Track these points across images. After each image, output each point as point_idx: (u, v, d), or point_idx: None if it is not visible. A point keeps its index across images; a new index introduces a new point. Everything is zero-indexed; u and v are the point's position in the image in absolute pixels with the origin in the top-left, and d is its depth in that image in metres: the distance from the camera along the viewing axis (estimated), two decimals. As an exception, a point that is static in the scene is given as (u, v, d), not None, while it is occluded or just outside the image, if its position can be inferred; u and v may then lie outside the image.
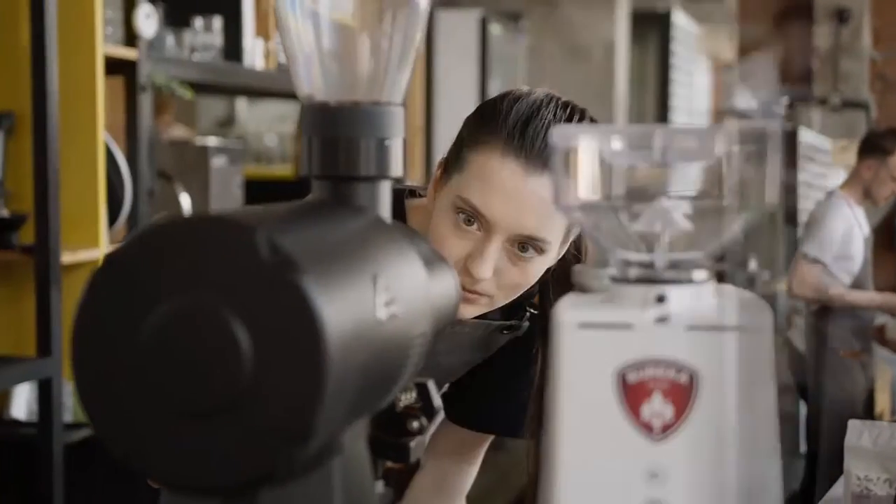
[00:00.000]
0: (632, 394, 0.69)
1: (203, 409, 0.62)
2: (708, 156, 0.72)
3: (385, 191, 0.84)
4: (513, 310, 1.37)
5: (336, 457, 0.69)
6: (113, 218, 2.66)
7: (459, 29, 4.98)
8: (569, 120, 1.25)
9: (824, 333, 4.26)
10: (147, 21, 2.69)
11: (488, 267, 1.22)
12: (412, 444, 0.80)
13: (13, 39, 2.49)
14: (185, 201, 2.98)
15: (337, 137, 0.81)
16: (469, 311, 1.26)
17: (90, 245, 2.56)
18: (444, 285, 0.88)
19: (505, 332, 1.39)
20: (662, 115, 7.38)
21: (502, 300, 1.27)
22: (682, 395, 0.68)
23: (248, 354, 0.62)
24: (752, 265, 0.76)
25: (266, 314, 0.62)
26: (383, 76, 0.84)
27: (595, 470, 0.69)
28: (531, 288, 1.30)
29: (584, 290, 0.83)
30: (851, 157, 8.52)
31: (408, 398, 0.84)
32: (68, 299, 2.44)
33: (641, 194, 0.75)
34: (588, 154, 0.73)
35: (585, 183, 0.74)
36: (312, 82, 0.84)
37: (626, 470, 0.68)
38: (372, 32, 0.84)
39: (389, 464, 0.82)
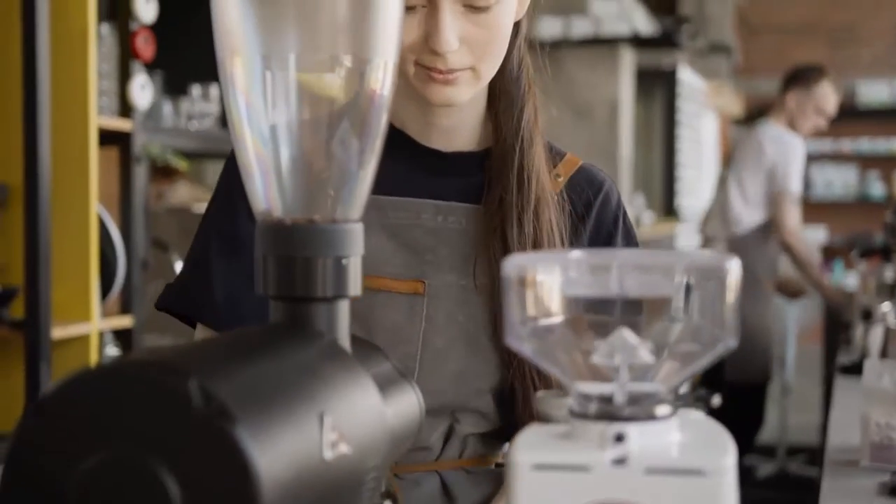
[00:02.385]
0: (587, 543, 0.66)
1: (128, 569, 0.59)
2: (665, 289, 0.69)
3: (343, 311, 0.81)
4: None
5: None
6: (106, 290, 2.64)
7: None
8: None
9: (749, 261, 4.34)
10: (142, 92, 2.68)
11: (449, 37, 1.12)
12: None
13: (6, 110, 2.48)
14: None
15: (293, 257, 0.79)
16: (459, 93, 1.17)
17: (82, 319, 2.54)
18: (404, 406, 0.85)
19: None
20: (669, 170, 7.37)
21: (487, 68, 1.17)
22: (639, 545, 0.65)
23: (177, 510, 0.59)
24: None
25: (198, 465, 0.60)
26: (340, 193, 0.82)
27: None
28: None
29: (545, 419, 0.80)
30: (724, 98, 8.58)
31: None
32: (59, 375, 2.41)
33: (601, 324, 0.72)
34: (543, 284, 0.71)
35: (540, 312, 0.71)
36: (269, 198, 0.82)
37: None
38: (328, 150, 0.82)
39: None
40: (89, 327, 2.55)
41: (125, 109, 2.70)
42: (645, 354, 0.70)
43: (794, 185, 4.28)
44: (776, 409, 5.94)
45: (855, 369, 2.78)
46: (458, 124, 1.25)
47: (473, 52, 1.15)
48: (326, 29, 0.79)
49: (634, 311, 0.71)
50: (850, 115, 9.94)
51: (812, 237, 10.07)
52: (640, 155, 7.04)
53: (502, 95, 1.24)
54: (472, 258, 1.21)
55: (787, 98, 4.42)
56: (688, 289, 0.69)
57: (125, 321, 2.74)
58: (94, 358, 2.56)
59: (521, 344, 0.70)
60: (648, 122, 7.25)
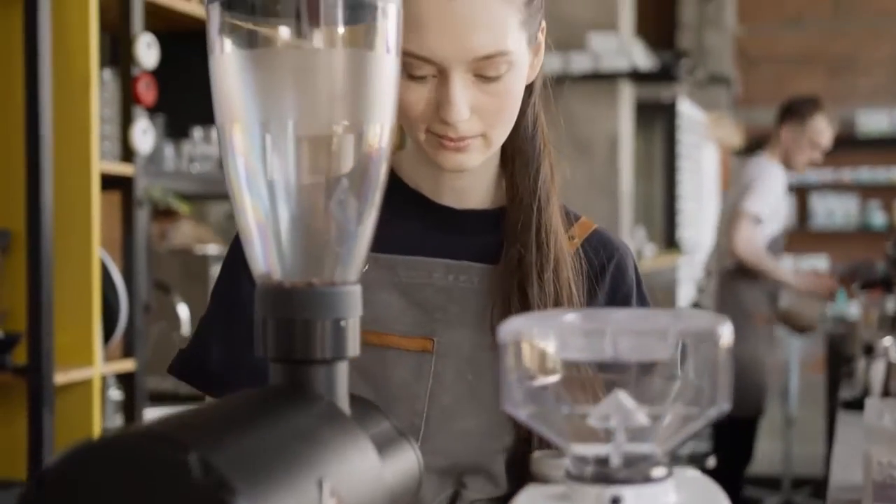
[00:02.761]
0: None
1: None
2: (659, 353, 0.70)
3: (342, 372, 0.82)
4: None
5: None
6: (108, 334, 2.65)
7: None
8: None
9: (737, 294, 4.33)
10: (144, 137, 2.70)
11: (460, 107, 1.11)
12: None
13: (8, 156, 2.50)
14: (184, 312, 2.97)
15: (292, 320, 0.80)
16: (470, 160, 1.17)
17: (85, 364, 2.54)
18: (403, 465, 0.86)
19: None
20: (670, 202, 7.38)
21: (498, 134, 1.17)
22: None
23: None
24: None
25: (198, 537, 0.60)
26: (338, 256, 0.83)
27: None
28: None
29: (542, 480, 0.80)
30: (724, 130, 8.61)
31: None
32: (61, 421, 2.42)
33: (596, 386, 0.73)
34: (538, 348, 0.71)
35: (536, 375, 0.72)
36: (268, 261, 0.83)
37: None
38: (327, 212, 0.83)
39: None
40: (92, 372, 2.56)
41: (127, 154, 2.71)
42: (641, 417, 0.70)
43: (752, 206, 4.25)
44: (780, 441, 5.93)
45: (857, 404, 2.78)
46: (471, 184, 1.26)
47: (484, 120, 1.14)
48: (324, 95, 0.80)
49: (630, 374, 0.72)
50: (850, 145, 9.98)
51: (813, 266, 10.09)
52: (641, 187, 7.06)
53: (517, 155, 1.24)
54: (485, 317, 1.20)
55: (782, 132, 4.44)
56: (682, 352, 0.70)
57: (128, 364, 2.74)
58: (96, 403, 2.56)
59: (518, 408, 0.71)
60: (649, 155, 7.27)
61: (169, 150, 3.01)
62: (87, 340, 2.55)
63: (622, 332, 0.70)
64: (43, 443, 2.37)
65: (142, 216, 2.73)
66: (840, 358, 4.62)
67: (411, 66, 1.11)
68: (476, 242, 1.25)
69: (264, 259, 0.82)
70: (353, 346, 0.81)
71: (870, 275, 5.20)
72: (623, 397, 0.71)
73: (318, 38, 0.79)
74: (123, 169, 2.70)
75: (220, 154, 0.84)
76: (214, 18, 0.80)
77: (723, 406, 0.70)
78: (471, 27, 1.09)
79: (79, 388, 2.56)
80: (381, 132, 0.82)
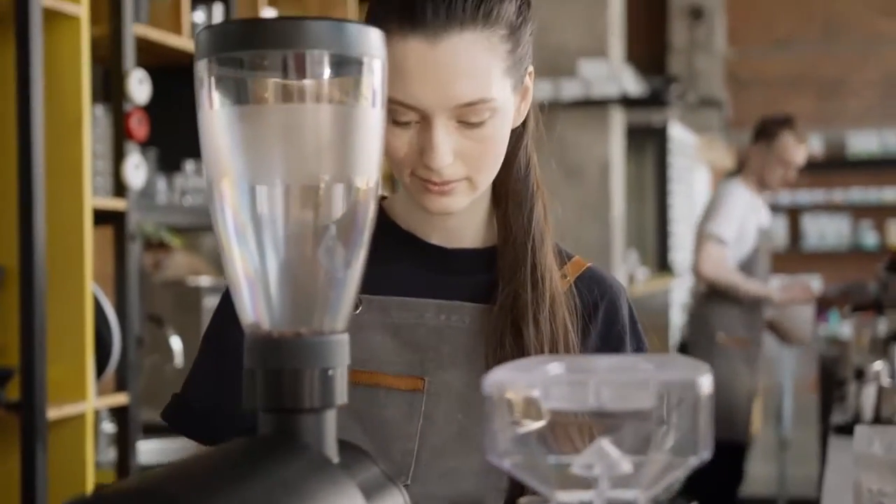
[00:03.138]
0: None
1: None
2: (642, 404, 0.71)
3: (330, 420, 0.83)
4: None
5: None
6: (101, 368, 2.65)
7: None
8: None
9: (707, 317, 4.31)
10: (136, 172, 2.72)
11: (442, 153, 1.12)
12: None
13: (2, 192, 2.51)
14: (177, 345, 2.98)
15: (281, 370, 0.81)
16: (455, 203, 1.17)
17: (78, 398, 2.55)
18: (392, 511, 0.87)
19: None
20: (662, 226, 7.41)
21: (483, 178, 1.17)
22: None
23: None
24: None
25: None
26: (326, 305, 0.84)
27: None
28: None
29: (528, 527, 0.82)
30: (715, 153, 8.62)
31: None
32: (55, 456, 2.42)
33: (580, 435, 0.74)
34: (523, 398, 0.73)
35: (520, 425, 0.73)
36: (257, 312, 0.84)
37: None
38: (314, 264, 0.84)
39: None
40: (85, 406, 2.56)
41: (119, 189, 2.73)
42: (624, 465, 0.72)
43: (715, 227, 4.24)
44: (774, 463, 5.93)
45: (848, 429, 2.78)
46: (462, 224, 1.26)
47: (468, 165, 1.15)
48: (311, 150, 0.81)
49: (613, 422, 0.73)
50: (841, 166, 10.03)
51: (796, 279, 10.11)
52: (633, 211, 7.08)
53: (510, 196, 1.25)
54: (477, 357, 1.20)
55: (751, 154, 4.45)
56: (664, 401, 0.72)
57: (121, 398, 2.75)
58: (89, 437, 2.57)
59: (502, 458, 0.72)
60: (640, 179, 7.30)
61: (161, 183, 3.03)
62: (81, 375, 2.55)
63: (605, 382, 0.72)
64: (36, 478, 2.37)
65: (134, 250, 2.75)
66: (832, 380, 4.61)
67: (395, 111, 1.12)
68: (468, 282, 1.26)
69: (253, 309, 0.84)
70: (342, 395, 0.82)
71: (862, 297, 5.21)
72: (606, 445, 0.72)
73: (305, 94, 0.81)
74: (116, 204, 2.71)
75: (208, 206, 0.85)
76: (203, 75, 0.81)
77: (703, 454, 0.71)
78: (453, 75, 1.10)
79: (72, 423, 2.56)
80: (367, 183, 0.84)
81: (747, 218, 4.30)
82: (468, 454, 1.20)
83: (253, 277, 0.83)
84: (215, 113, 0.81)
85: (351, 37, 0.81)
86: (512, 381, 0.72)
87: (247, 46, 0.80)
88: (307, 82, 0.81)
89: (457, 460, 1.20)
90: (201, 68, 0.81)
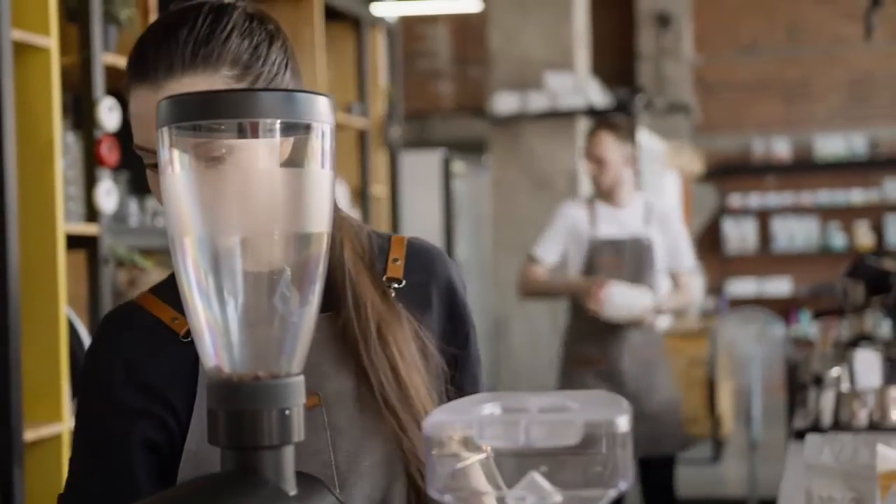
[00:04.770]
0: None
1: None
2: (568, 440, 0.78)
3: (288, 456, 0.90)
4: None
5: None
6: (76, 390, 2.70)
7: (423, 168, 5.12)
8: (214, 18, 1.20)
9: (567, 345, 4.18)
10: (107, 197, 2.77)
11: None
12: None
13: (-24, 219, 2.56)
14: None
15: (241, 411, 0.88)
16: None
17: (53, 420, 2.60)
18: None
19: None
20: (632, 232, 7.50)
21: None
22: None
23: None
24: None
25: None
26: (281, 349, 0.91)
27: None
28: None
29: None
30: (684, 158, 8.68)
31: None
32: (31, 477, 2.47)
33: (513, 468, 0.81)
34: (459, 438, 0.80)
35: (457, 462, 0.80)
36: (218, 356, 0.91)
37: None
38: (271, 310, 0.91)
39: None
40: (61, 427, 2.62)
41: (91, 214, 2.78)
42: (555, 496, 0.79)
43: (534, 249, 4.16)
44: (745, 463, 6.03)
45: (808, 434, 2.85)
46: None
47: None
48: (265, 209, 0.88)
49: (543, 458, 0.81)
50: (809, 169, 10.18)
51: (777, 288, 10.25)
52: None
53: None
54: (346, 359, 1.26)
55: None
56: (589, 438, 0.79)
57: (96, 418, 2.80)
58: (66, 458, 2.62)
59: (443, 493, 0.80)
60: (610, 186, 7.38)
61: (133, 206, 3.08)
62: (56, 397, 2.61)
63: (535, 421, 0.79)
64: (14, 500, 2.42)
65: (107, 274, 2.80)
66: (797, 383, 4.68)
67: (144, 156, 1.20)
68: None
69: (214, 354, 0.91)
70: (298, 432, 0.90)
71: (831, 298, 5.24)
72: (538, 478, 0.80)
73: (258, 158, 0.88)
74: (88, 229, 2.77)
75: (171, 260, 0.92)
76: (165, 141, 0.88)
77: (623, 484, 0.78)
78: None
79: (48, 444, 2.61)
80: (319, 234, 0.91)
81: (574, 233, 4.13)
82: (377, 448, 1.26)
83: (213, 325, 0.90)
84: (176, 176, 0.88)
85: (301, 105, 0.88)
86: (450, 422, 0.80)
87: (204, 116, 0.87)
88: (261, 147, 0.88)
89: (371, 457, 1.26)
90: (163, 135, 0.88)
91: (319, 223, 0.91)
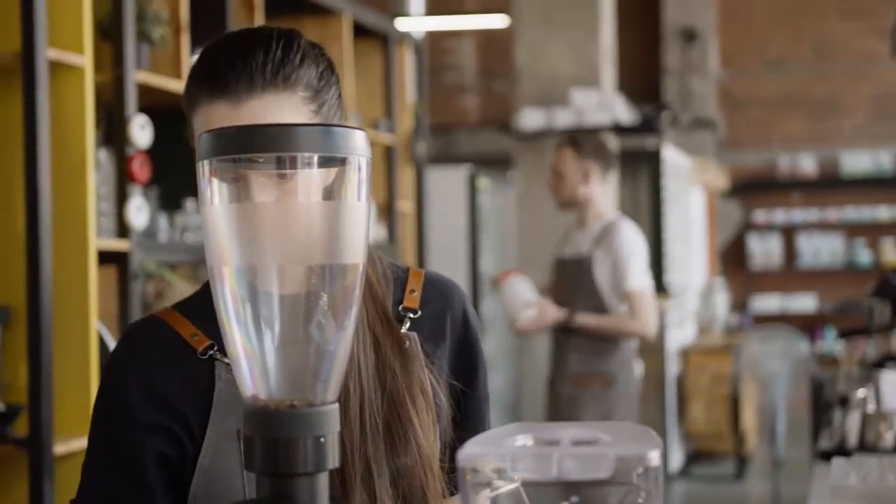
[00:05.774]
0: None
1: None
2: (600, 473, 0.80)
3: (323, 483, 0.91)
4: None
5: None
6: (106, 404, 2.73)
7: (449, 184, 5.13)
8: (286, 44, 1.23)
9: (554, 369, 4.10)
10: (138, 213, 2.81)
11: None
12: None
13: (9, 235, 2.60)
14: (178, 378, 3.05)
15: (277, 438, 0.90)
16: None
17: (84, 434, 2.62)
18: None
19: None
20: (657, 248, 7.49)
21: None
22: None
23: None
24: None
25: None
26: (317, 377, 0.93)
27: None
28: None
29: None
30: (709, 174, 8.63)
31: None
32: (61, 492, 2.50)
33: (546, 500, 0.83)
34: (492, 470, 0.81)
35: (491, 492, 0.82)
36: (255, 385, 0.93)
37: None
38: (307, 340, 0.93)
39: None
40: (90, 441, 2.64)
41: (122, 230, 2.82)
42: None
43: None
44: (769, 481, 6.01)
45: (834, 455, 2.84)
46: None
47: None
48: (303, 241, 0.90)
49: (574, 488, 0.82)
50: (835, 185, 10.14)
51: (802, 304, 10.21)
52: (629, 234, 7.16)
53: None
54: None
55: None
56: (620, 471, 0.80)
57: (125, 432, 2.83)
58: (95, 471, 2.64)
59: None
60: (635, 202, 7.38)
61: (163, 221, 3.12)
62: (86, 411, 2.63)
63: (567, 454, 0.81)
64: (44, 513, 2.45)
65: (137, 289, 2.83)
66: (823, 400, 4.65)
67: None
68: None
69: (251, 382, 0.93)
70: (333, 459, 0.91)
71: (857, 315, 5.20)
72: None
73: (297, 191, 0.90)
74: (119, 245, 2.80)
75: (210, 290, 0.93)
76: (205, 174, 0.90)
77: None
78: None
79: (78, 458, 2.64)
80: (354, 265, 0.93)
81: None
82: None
83: (251, 353, 0.92)
84: (216, 208, 0.90)
85: (338, 139, 0.90)
86: (483, 454, 0.81)
87: (244, 150, 0.89)
88: (299, 181, 0.90)
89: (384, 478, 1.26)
90: (203, 168, 0.90)
91: (356, 255, 0.92)
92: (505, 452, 0.81)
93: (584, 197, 4.06)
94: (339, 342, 0.94)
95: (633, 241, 4.06)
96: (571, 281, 4.05)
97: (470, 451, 0.81)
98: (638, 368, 4.28)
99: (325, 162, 0.90)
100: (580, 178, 4.04)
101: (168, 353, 1.29)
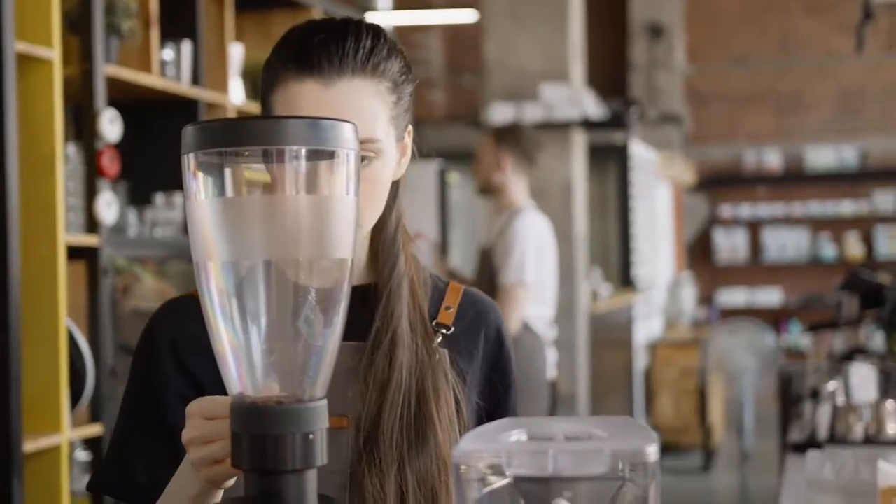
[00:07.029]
0: None
1: None
2: (596, 469, 0.79)
3: (311, 480, 0.90)
4: None
5: None
6: (76, 400, 2.70)
7: (419, 180, 5.12)
8: (374, 35, 1.24)
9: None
10: (108, 208, 2.77)
11: None
12: None
13: (-24, 231, 2.56)
14: (148, 374, 3.02)
15: (264, 435, 0.88)
16: None
17: (53, 430, 2.60)
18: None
19: None
20: (624, 242, 7.52)
21: (367, 216, 1.24)
22: None
23: None
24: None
25: None
26: (305, 373, 0.92)
27: None
28: None
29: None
30: (676, 168, 8.68)
31: None
32: (31, 488, 2.47)
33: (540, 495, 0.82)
34: (488, 465, 0.80)
35: (485, 488, 0.81)
36: (242, 381, 0.91)
37: None
38: (295, 336, 0.92)
39: None
40: (59, 438, 2.61)
41: (92, 225, 2.78)
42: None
43: None
44: (737, 474, 6.05)
45: (805, 448, 2.86)
46: None
47: None
48: (290, 235, 0.89)
49: (569, 484, 0.81)
50: (800, 180, 10.21)
51: (767, 298, 10.29)
52: (596, 228, 7.18)
53: (380, 252, 1.31)
54: (354, 387, 1.26)
55: None
56: (616, 466, 0.80)
57: (95, 429, 2.80)
58: (64, 468, 2.62)
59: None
60: (603, 196, 7.41)
61: (132, 216, 3.08)
62: (55, 408, 2.60)
63: (562, 450, 0.80)
64: (14, 511, 2.42)
65: (106, 285, 2.80)
66: (791, 393, 4.67)
67: None
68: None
69: (238, 379, 0.91)
70: (322, 456, 0.90)
71: (821, 309, 5.24)
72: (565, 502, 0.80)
73: (283, 185, 0.88)
74: (88, 240, 2.77)
75: (196, 285, 0.92)
76: (190, 167, 0.88)
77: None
78: (344, 114, 1.18)
79: (47, 455, 2.61)
80: (342, 258, 0.92)
81: None
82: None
83: (237, 349, 0.90)
84: (201, 202, 0.89)
85: (325, 132, 0.89)
86: (478, 450, 0.80)
87: (230, 143, 0.88)
88: (286, 174, 0.88)
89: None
90: (188, 162, 0.88)
91: (344, 249, 0.91)
92: (500, 448, 0.80)
93: (497, 184, 4.08)
94: (327, 338, 0.93)
95: (522, 233, 3.98)
96: (481, 270, 4.08)
97: (464, 447, 0.80)
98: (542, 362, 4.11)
99: (313, 155, 0.88)
100: (494, 166, 4.06)
101: (199, 332, 1.27)
